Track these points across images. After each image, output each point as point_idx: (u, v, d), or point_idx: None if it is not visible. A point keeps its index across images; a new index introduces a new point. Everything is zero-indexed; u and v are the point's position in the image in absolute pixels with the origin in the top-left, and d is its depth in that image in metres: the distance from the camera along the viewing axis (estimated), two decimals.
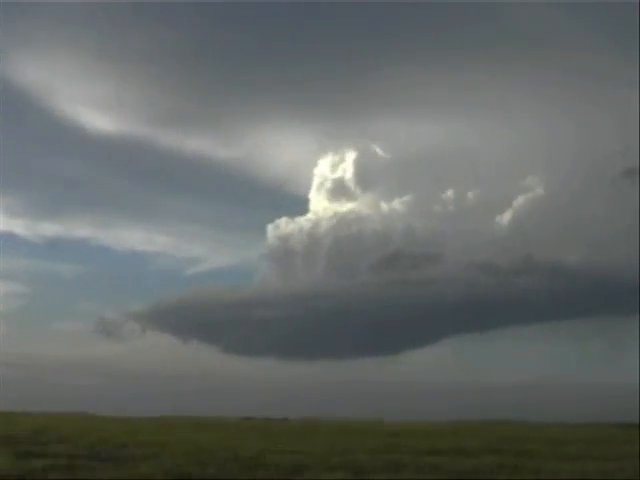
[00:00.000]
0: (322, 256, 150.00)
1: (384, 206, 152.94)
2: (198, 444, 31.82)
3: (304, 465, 23.85)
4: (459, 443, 35.85)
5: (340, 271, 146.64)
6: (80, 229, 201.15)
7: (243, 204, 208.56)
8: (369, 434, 44.54)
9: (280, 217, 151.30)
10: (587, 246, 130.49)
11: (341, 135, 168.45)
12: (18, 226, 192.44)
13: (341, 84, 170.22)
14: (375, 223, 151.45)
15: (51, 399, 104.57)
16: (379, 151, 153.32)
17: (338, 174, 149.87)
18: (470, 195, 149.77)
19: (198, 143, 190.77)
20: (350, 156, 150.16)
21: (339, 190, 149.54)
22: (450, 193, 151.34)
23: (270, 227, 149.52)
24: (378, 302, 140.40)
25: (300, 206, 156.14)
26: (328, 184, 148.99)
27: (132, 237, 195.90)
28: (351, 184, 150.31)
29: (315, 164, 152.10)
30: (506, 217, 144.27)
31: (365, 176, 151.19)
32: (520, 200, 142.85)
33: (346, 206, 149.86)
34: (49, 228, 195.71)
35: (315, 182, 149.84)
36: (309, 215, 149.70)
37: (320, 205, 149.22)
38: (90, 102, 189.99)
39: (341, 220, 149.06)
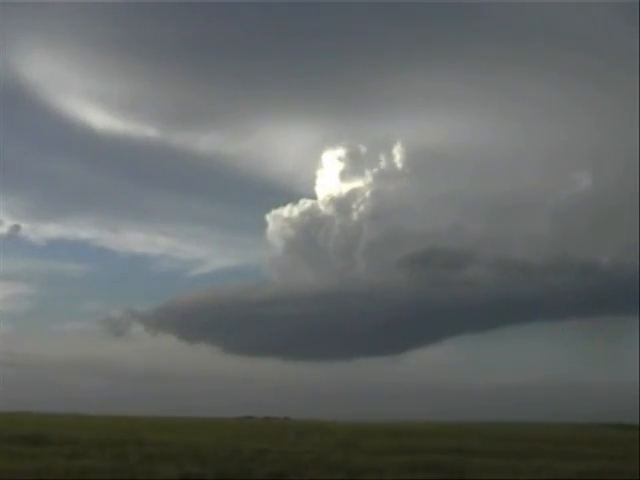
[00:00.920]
0: (326, 255, 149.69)
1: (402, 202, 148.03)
2: (199, 444, 31.88)
3: (304, 465, 23.88)
4: (459, 443, 35.91)
5: (345, 271, 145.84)
6: (82, 230, 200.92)
7: (246, 204, 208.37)
8: (369, 434, 44.59)
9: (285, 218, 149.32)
10: (619, 246, 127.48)
11: (353, 131, 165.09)
12: (21, 227, 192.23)
13: (353, 80, 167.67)
14: (389, 221, 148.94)
15: (54, 400, 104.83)
16: (400, 147, 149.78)
17: (351, 172, 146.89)
18: (503, 192, 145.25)
19: (201, 142, 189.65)
20: (364, 152, 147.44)
21: (350, 188, 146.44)
22: (476, 189, 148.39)
23: (271, 227, 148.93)
24: (388, 301, 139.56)
25: (306, 205, 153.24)
26: (337, 182, 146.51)
27: (134, 238, 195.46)
28: (367, 180, 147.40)
29: (322, 162, 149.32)
30: (542, 215, 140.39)
31: (385, 172, 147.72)
32: (559, 197, 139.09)
33: (356, 203, 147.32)
34: (52, 229, 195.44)
35: (321, 180, 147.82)
36: (315, 214, 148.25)
37: (328, 204, 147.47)
38: (93, 101, 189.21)
39: (347, 218, 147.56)
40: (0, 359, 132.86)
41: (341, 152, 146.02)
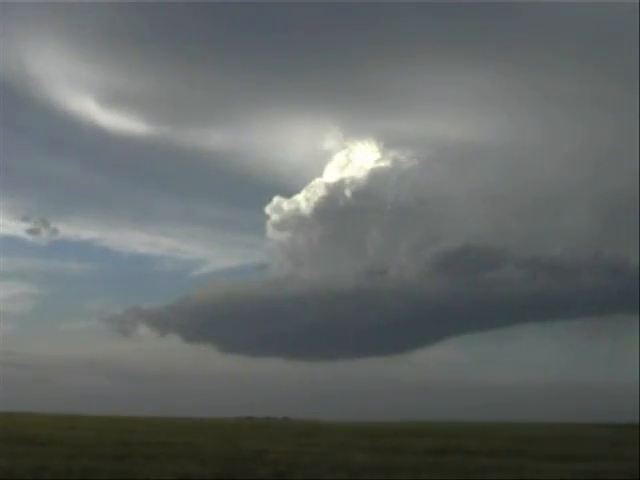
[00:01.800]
0: (330, 253, 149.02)
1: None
2: (199, 444, 31.88)
3: (304, 465, 23.86)
4: (460, 443, 35.92)
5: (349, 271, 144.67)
6: (85, 230, 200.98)
7: (249, 204, 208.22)
8: (370, 434, 44.59)
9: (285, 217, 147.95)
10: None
11: (364, 128, 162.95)
12: (23, 228, 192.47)
13: (357, 76, 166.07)
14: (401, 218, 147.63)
15: (57, 399, 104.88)
16: (423, 143, 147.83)
17: (360, 169, 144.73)
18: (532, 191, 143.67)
19: (205, 140, 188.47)
20: (379, 149, 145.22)
21: (356, 186, 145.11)
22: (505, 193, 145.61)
23: (275, 225, 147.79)
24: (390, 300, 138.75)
25: (313, 201, 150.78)
26: (347, 180, 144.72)
27: (136, 239, 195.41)
28: (384, 175, 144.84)
29: (332, 160, 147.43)
30: (575, 213, 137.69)
31: (403, 168, 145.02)
32: (595, 194, 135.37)
33: (359, 198, 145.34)
34: (54, 229, 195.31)
35: (331, 179, 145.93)
36: (323, 210, 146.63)
37: (336, 201, 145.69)
38: (94, 98, 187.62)
39: (355, 216, 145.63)
40: (4, 359, 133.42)
41: (352, 148, 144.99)
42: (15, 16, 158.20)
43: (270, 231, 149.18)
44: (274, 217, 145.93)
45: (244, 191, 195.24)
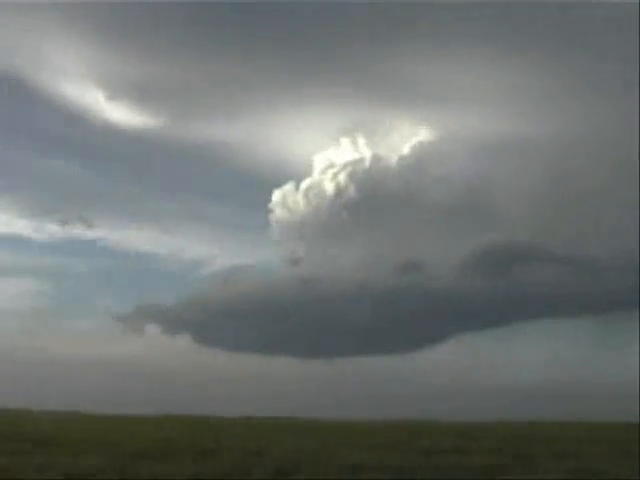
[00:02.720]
0: (337, 251, 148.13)
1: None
2: (199, 443, 31.98)
3: (304, 465, 23.96)
4: (460, 443, 36.01)
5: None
6: (87, 229, 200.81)
7: (255, 201, 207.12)
8: (370, 433, 44.66)
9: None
10: None
11: (376, 120, 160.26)
12: (24, 227, 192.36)
13: (363, 68, 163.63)
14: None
15: (62, 398, 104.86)
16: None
17: (374, 161, 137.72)
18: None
19: (209, 135, 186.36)
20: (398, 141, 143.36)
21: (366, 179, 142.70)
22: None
23: (279, 220, 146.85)
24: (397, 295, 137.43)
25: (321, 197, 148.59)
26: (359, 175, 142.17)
27: (139, 238, 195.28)
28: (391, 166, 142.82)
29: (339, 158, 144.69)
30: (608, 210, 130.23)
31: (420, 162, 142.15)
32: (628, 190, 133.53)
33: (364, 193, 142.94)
34: (57, 228, 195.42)
35: (342, 176, 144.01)
36: (331, 207, 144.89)
37: (345, 194, 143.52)
38: (95, 90, 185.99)
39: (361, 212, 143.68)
40: (11, 356, 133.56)
41: (374, 140, 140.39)
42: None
43: (277, 229, 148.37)
44: (280, 214, 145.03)
45: (250, 188, 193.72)
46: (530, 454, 30.13)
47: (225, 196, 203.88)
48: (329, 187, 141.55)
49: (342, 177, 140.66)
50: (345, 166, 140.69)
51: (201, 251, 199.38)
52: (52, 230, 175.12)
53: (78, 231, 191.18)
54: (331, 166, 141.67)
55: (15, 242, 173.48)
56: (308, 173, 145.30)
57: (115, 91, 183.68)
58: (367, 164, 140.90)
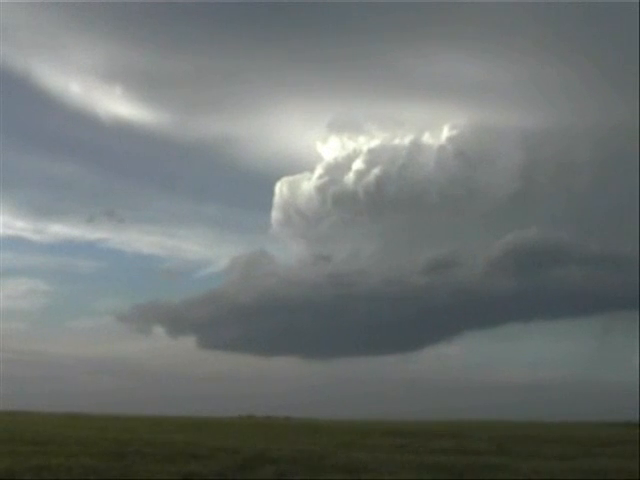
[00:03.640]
0: (339, 252, 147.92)
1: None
2: (199, 443, 31.96)
3: (304, 464, 23.94)
4: (460, 443, 36.02)
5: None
6: (89, 230, 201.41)
7: (255, 203, 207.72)
8: (370, 433, 44.69)
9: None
10: None
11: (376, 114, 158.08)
12: (26, 228, 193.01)
13: (362, 63, 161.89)
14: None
15: (65, 398, 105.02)
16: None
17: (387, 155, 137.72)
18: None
19: (210, 133, 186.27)
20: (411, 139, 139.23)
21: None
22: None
23: (279, 221, 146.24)
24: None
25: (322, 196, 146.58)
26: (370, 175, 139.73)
27: (141, 239, 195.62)
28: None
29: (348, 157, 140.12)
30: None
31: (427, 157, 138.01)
32: None
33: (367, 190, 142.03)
34: (59, 229, 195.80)
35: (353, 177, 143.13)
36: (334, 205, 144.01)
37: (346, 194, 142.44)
38: (91, 87, 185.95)
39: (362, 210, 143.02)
40: (14, 356, 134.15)
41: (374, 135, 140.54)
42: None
43: (277, 228, 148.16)
44: (280, 215, 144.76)
45: (251, 190, 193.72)
46: (531, 454, 30.23)
47: (221, 196, 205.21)
48: (349, 181, 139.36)
49: (362, 171, 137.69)
50: (366, 159, 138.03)
51: (201, 252, 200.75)
52: (52, 230, 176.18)
53: (80, 231, 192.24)
54: (347, 159, 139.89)
55: (15, 242, 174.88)
56: (321, 166, 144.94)
57: (115, 86, 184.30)
58: (388, 156, 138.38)
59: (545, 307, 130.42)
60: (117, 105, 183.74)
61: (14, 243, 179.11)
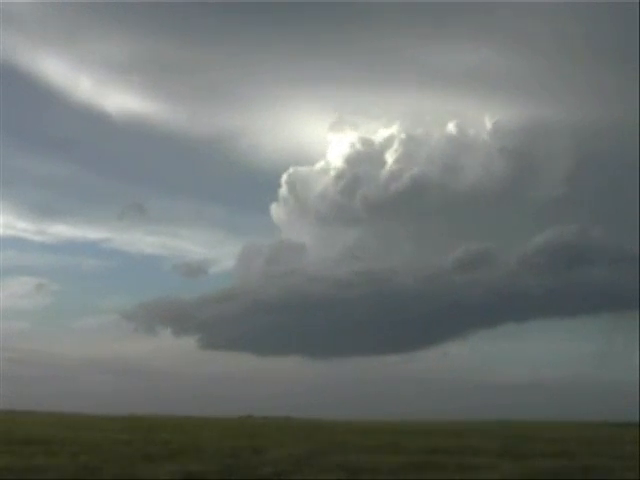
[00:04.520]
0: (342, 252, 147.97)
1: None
2: (200, 443, 31.99)
3: (304, 464, 23.95)
4: (460, 442, 36.02)
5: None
6: (91, 230, 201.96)
7: (258, 203, 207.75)
8: (371, 433, 44.69)
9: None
10: None
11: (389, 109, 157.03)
12: (27, 228, 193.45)
13: (364, 56, 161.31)
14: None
15: (67, 397, 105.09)
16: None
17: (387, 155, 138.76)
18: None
19: (211, 131, 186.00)
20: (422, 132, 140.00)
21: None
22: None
23: (281, 224, 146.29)
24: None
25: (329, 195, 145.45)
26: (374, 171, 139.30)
27: (143, 239, 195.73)
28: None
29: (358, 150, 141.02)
30: None
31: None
32: None
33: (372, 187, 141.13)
34: (62, 229, 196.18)
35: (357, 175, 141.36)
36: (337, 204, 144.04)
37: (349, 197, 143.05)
38: (93, 82, 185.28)
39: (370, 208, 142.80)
40: (17, 356, 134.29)
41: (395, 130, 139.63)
42: None
43: (280, 228, 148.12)
44: (282, 215, 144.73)
45: (255, 191, 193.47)
46: (531, 454, 30.23)
47: (225, 197, 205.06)
48: (378, 178, 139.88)
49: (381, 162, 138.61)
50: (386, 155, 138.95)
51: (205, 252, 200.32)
52: (53, 230, 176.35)
53: (83, 231, 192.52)
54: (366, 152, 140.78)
55: (16, 242, 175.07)
56: (334, 158, 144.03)
57: (112, 84, 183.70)
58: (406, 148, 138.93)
59: (563, 305, 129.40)
60: (123, 101, 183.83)
61: (18, 242, 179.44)
